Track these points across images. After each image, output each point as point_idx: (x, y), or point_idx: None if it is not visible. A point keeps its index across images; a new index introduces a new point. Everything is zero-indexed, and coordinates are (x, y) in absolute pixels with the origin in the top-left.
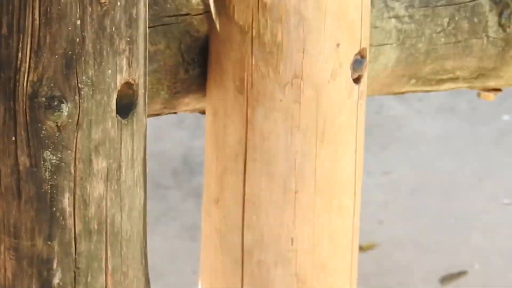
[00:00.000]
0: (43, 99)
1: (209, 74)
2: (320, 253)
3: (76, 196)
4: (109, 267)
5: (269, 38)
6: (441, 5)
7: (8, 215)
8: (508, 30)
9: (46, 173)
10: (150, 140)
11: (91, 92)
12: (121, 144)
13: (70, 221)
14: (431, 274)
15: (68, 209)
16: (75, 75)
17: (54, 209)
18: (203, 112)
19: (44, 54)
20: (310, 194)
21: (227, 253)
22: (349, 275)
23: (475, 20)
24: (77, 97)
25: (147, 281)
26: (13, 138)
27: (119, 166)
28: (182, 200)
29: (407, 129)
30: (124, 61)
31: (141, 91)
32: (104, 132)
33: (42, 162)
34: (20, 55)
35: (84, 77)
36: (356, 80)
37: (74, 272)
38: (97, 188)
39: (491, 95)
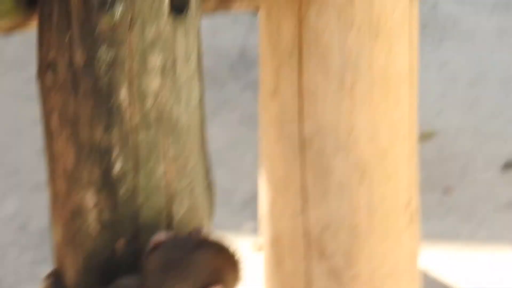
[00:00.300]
0: None
1: None
2: (379, 142)
3: (133, 89)
4: (170, 155)
5: None
6: None
7: (66, 107)
8: None
9: (102, 69)
10: (205, 37)
11: None
12: (175, 41)
13: (128, 113)
14: (492, 160)
15: (126, 101)
16: None
17: (112, 101)
18: (257, 10)
19: None
20: (366, 87)
21: (287, 143)
22: (409, 163)
23: None
24: None
25: (208, 170)
26: (68, 36)
27: (174, 62)
28: (240, 92)
29: (462, 25)
30: None
31: None
32: (157, 31)
33: (97, 58)
34: None
35: None
36: None
37: (135, 160)
38: (153, 81)
39: None
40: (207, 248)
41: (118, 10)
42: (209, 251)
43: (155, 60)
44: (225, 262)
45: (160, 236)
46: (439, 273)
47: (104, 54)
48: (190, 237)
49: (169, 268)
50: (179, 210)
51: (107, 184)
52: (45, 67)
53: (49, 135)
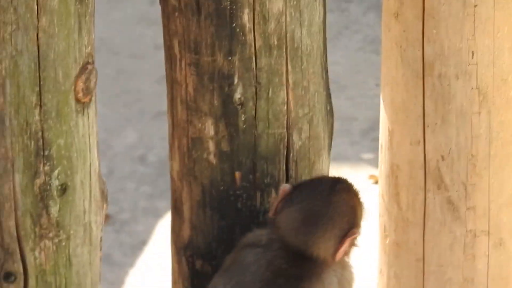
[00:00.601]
0: None
1: None
2: (501, 66)
3: (255, 12)
4: (290, 82)
5: None
6: None
7: (188, 31)
8: None
9: None
10: None
11: None
12: None
13: (250, 37)
14: None
15: (248, 24)
16: None
17: (234, 24)
18: None
19: None
20: (489, 7)
21: (408, 67)
22: None
23: None
24: None
25: (328, 95)
26: None
27: None
28: (363, 13)
29: None
30: None
31: None
32: None
33: None
34: None
35: None
36: None
37: (255, 87)
38: (276, 4)
39: None
40: (340, 192)
41: None
42: (343, 195)
43: None
44: (356, 201)
45: (286, 187)
46: None
47: None
48: (319, 183)
49: (313, 220)
50: (299, 140)
51: (227, 113)
52: None
53: (171, 61)
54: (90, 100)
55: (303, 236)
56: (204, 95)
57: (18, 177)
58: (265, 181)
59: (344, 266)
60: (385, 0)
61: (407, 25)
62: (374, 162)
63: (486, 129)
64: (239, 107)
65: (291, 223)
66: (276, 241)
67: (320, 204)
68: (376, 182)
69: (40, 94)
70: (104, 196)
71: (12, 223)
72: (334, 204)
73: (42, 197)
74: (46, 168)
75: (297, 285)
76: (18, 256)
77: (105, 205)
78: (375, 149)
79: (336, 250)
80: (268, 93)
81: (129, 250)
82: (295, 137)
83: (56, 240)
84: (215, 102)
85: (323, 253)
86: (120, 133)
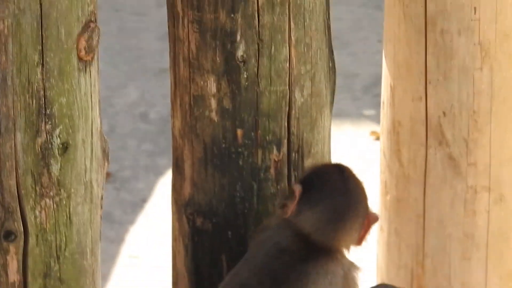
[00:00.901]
0: None
1: None
2: (503, 22)
3: None
4: (292, 39)
5: None
6: None
7: None
8: None
9: None
10: None
11: None
12: None
13: None
14: None
15: None
16: None
17: None
18: None
19: None
20: None
21: (411, 23)
22: None
23: None
24: None
25: (331, 52)
26: None
27: None
28: None
29: None
30: None
31: None
32: None
33: None
34: None
35: None
36: None
37: (258, 44)
38: None
39: None
40: (350, 178)
41: None
42: (353, 180)
43: None
44: (361, 183)
45: (298, 188)
46: None
47: None
48: (327, 174)
49: (339, 216)
50: (301, 97)
51: (229, 70)
52: None
53: (173, 19)
54: (93, 58)
55: (331, 233)
56: (207, 53)
57: (19, 136)
58: (267, 138)
59: (352, 264)
60: None
61: None
62: (376, 118)
63: (488, 85)
64: (242, 64)
65: (317, 223)
66: (287, 227)
67: (339, 198)
68: (378, 139)
69: (42, 52)
70: (105, 154)
71: (13, 182)
72: (351, 193)
73: (44, 156)
74: (48, 126)
75: (300, 263)
76: (19, 215)
77: (106, 164)
78: (377, 105)
79: (362, 237)
80: (270, 50)
81: (129, 208)
82: (297, 94)
83: (57, 199)
84: (218, 59)
85: (348, 243)
86: (121, 90)
